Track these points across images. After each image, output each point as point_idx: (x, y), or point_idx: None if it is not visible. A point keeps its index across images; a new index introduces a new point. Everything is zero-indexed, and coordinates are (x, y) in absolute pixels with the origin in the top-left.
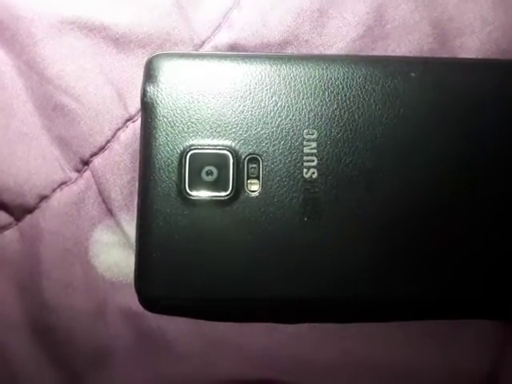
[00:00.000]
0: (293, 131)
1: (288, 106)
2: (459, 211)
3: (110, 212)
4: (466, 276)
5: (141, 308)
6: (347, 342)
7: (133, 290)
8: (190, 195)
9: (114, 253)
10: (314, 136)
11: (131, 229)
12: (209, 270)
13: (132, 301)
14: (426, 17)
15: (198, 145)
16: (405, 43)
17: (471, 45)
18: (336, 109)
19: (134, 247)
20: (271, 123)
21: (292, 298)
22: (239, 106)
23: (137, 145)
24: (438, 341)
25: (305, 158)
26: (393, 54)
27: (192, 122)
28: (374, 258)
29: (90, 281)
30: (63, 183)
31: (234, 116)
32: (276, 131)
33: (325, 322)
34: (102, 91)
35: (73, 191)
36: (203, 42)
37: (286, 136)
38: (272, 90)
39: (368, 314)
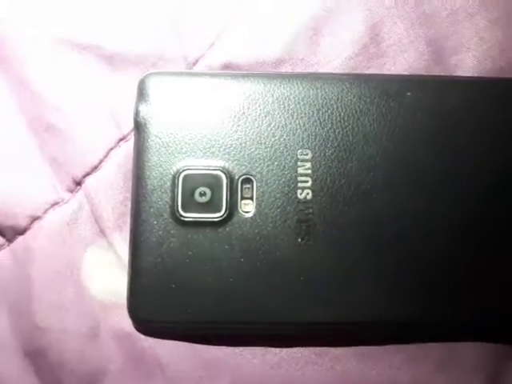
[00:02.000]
0: (287, 151)
1: (282, 126)
2: (456, 232)
3: (102, 232)
4: (460, 299)
5: (134, 329)
6: (341, 363)
7: (126, 311)
8: (183, 216)
9: (106, 274)
10: (309, 156)
11: (124, 249)
12: (202, 293)
13: (125, 322)
14: (422, 35)
15: (191, 165)
16: (400, 61)
17: (467, 63)
18: (330, 129)
19: (127, 268)
20: (265, 143)
21: (286, 321)
22: (233, 125)
23: (130, 164)
24: (434, 361)
25: (299, 178)
26: (388, 73)
27: (185, 142)
28: (369, 280)
29: (83, 302)
30: (56, 204)
31: (227, 136)
32: (270, 151)
33: (319, 346)
34: (95, 110)
35: (65, 212)
36: (197, 61)
37: (279, 156)
38: (266, 110)
39: (363, 337)
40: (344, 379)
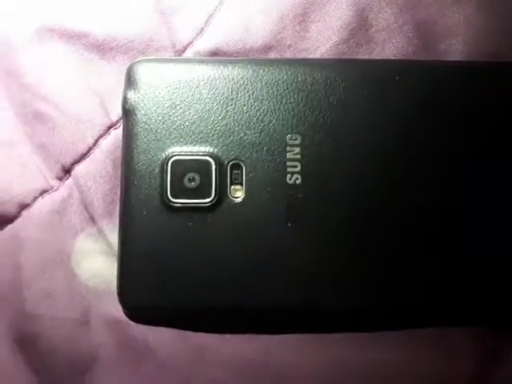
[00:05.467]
0: (276, 136)
1: (270, 111)
2: (448, 218)
3: (92, 220)
4: (449, 285)
5: (124, 316)
6: (332, 349)
7: (116, 298)
8: (173, 202)
9: (96, 261)
10: (298, 141)
11: (114, 237)
12: (191, 278)
13: (115, 309)
14: (410, 20)
15: (180, 151)
16: (389, 47)
17: (455, 47)
18: (319, 113)
19: (117, 255)
20: (254, 129)
21: (276, 306)
22: (221, 111)
23: (119, 152)
24: (426, 345)
25: (288, 163)
26: (377, 58)
27: (174, 129)
28: (359, 264)
29: (73, 289)
30: (45, 191)
31: (216, 122)
32: (259, 137)
33: (309, 332)
34: (84, 98)
35: (54, 199)
36: (185, 48)
37: (268, 141)
38: (254, 95)
39: (354, 322)
40: (335, 365)
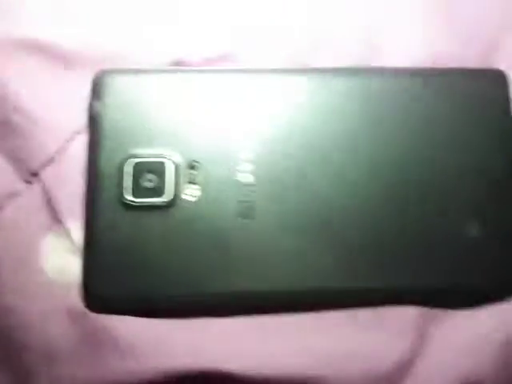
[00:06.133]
0: (231, 139)
1: (226, 116)
2: (391, 205)
3: (58, 221)
4: (384, 265)
5: (89, 308)
6: (275, 332)
7: (80, 291)
8: (132, 201)
9: (63, 258)
10: (251, 143)
11: (79, 235)
12: (151, 271)
13: (79, 302)
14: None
15: (139, 154)
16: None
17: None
18: (272, 116)
19: (82, 251)
20: (210, 132)
21: (231, 292)
22: (179, 116)
23: (84, 156)
24: (359, 326)
25: (241, 163)
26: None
27: (134, 133)
28: (303, 252)
29: (41, 285)
30: (13, 194)
31: (173, 126)
32: (214, 139)
33: (261, 315)
34: (52, 106)
35: (23, 202)
36: (149, 59)
37: (224, 143)
38: (210, 102)
39: (300, 305)
40: (277, 346)
